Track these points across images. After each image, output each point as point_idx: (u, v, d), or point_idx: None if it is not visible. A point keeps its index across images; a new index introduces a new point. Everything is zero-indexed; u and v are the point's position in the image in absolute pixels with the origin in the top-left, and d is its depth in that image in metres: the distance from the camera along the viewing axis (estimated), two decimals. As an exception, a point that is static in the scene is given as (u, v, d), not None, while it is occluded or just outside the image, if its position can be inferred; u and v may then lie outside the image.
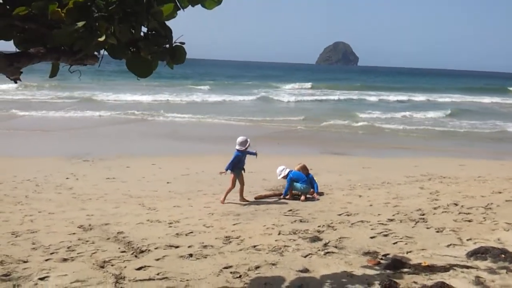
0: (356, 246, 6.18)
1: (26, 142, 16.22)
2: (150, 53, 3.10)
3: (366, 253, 5.92)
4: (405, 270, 5.36)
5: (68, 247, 6.06)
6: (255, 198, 8.99)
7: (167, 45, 3.20)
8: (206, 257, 5.76)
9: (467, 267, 5.40)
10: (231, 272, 5.28)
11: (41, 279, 5.04)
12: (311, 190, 9.14)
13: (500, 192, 9.19)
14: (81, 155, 13.79)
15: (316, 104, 36.34)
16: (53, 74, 3.23)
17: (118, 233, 6.73)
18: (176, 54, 3.24)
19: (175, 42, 3.21)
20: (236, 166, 8.68)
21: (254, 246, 6.17)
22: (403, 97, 43.12)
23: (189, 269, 5.37)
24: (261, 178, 11.05)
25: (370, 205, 8.43)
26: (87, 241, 6.35)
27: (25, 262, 5.53)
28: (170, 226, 7.13)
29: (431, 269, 5.35)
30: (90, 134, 18.46)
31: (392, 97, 42.45)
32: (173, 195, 9.34)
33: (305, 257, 5.80)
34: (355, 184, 10.41)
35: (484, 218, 7.37)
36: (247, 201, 8.77)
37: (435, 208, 8.08)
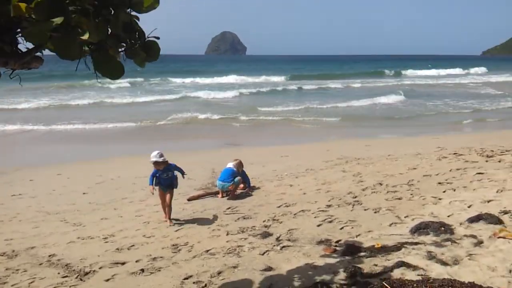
0: (307, 237, 6.23)
1: None
2: (125, 51, 2.73)
3: (320, 242, 6.00)
4: (362, 254, 5.51)
5: (-5, 281, 5.28)
6: (188, 200, 8.66)
7: (139, 41, 2.84)
8: (160, 270, 5.40)
9: (416, 243, 5.70)
10: (194, 282, 5.00)
11: (-25, 324, 4.32)
12: (230, 186, 8.82)
13: (414, 168, 9.92)
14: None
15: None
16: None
17: (49, 256, 6.03)
18: (151, 51, 2.89)
19: (148, 37, 2.86)
20: (158, 182, 7.40)
21: (207, 251, 5.92)
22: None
23: (147, 285, 4.98)
24: (186, 178, 10.67)
25: (303, 193, 8.57)
26: (17, 269, 5.60)
27: None
28: (106, 242, 6.56)
29: (385, 249, 5.56)
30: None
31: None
32: (96, 207, 8.63)
33: (262, 254, 5.70)
34: (281, 174, 10.53)
35: (411, 194, 7.87)
36: (171, 222, 7.32)
37: (363, 190, 8.46)
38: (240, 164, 9.12)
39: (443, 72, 60.34)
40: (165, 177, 7.35)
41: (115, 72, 2.77)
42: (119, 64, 2.77)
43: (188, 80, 47.16)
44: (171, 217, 7.44)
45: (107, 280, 5.15)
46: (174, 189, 7.53)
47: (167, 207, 7.41)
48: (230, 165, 9.04)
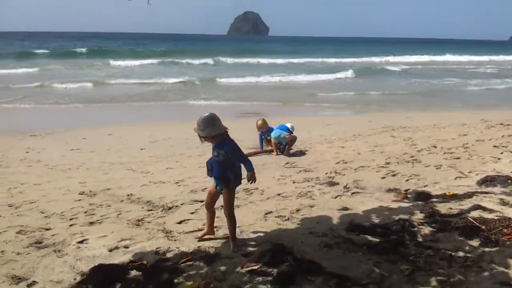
0: (374, 186, 6.42)
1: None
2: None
3: (389, 190, 6.18)
4: (434, 200, 5.68)
5: (85, 212, 5.61)
6: (245, 155, 8.88)
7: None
8: (238, 207, 5.64)
9: (485, 192, 5.85)
10: (276, 217, 5.25)
11: (80, 242, 4.64)
12: (287, 135, 8.97)
13: (465, 135, 9.98)
14: (24, 131, 12.62)
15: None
16: None
17: (128, 195, 6.34)
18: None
19: None
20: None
21: (279, 194, 6.16)
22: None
23: (232, 217, 5.24)
24: (235, 139, 10.88)
25: (358, 153, 8.73)
26: (100, 205, 5.92)
27: (47, 230, 5.04)
28: (178, 185, 6.86)
29: (457, 197, 5.72)
30: (16, 110, 16.91)
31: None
32: (157, 159, 8.94)
33: (335, 198, 5.92)
34: (329, 138, 10.68)
35: (469, 155, 7.98)
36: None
37: (418, 151, 8.58)
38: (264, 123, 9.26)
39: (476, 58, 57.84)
40: (214, 158, 4.45)
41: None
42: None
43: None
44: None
45: (192, 213, 5.43)
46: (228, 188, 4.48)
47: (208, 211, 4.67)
48: (288, 124, 9.24)
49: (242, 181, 4.65)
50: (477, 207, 5.20)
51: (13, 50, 48.75)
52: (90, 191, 6.64)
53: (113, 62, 36.62)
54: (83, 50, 49.78)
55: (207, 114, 4.32)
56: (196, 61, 40.19)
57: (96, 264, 3.99)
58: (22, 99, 18.76)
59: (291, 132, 9.06)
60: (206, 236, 4.64)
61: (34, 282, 3.79)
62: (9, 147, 10.44)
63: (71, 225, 5.16)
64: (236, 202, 5.75)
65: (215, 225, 4.85)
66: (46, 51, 47.34)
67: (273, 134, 9.02)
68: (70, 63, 34.92)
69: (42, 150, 10.11)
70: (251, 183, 4.50)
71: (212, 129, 4.22)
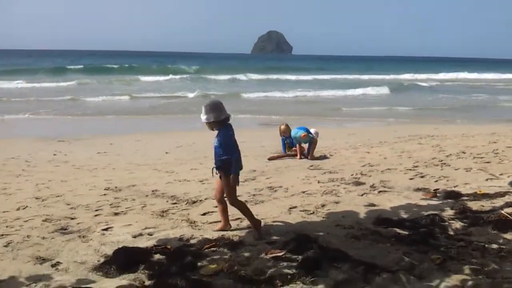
0: (402, 185, 6.27)
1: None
2: None
3: (418, 189, 6.02)
4: (465, 198, 5.50)
5: (110, 204, 5.65)
6: (268, 159, 8.85)
7: None
8: (263, 202, 5.60)
9: (519, 192, 5.64)
10: (301, 211, 5.17)
11: (105, 229, 4.65)
12: (303, 134, 8.87)
13: (495, 142, 9.71)
14: (53, 137, 12.87)
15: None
16: None
17: (153, 191, 6.36)
18: None
19: None
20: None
21: (304, 192, 6.07)
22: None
23: (257, 210, 5.18)
24: (258, 146, 10.88)
25: (384, 158, 8.58)
26: (125, 199, 5.95)
27: (73, 219, 5.08)
28: (203, 183, 6.85)
29: (489, 196, 5.53)
30: (46, 120, 17.30)
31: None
32: (182, 161, 8.97)
33: (361, 195, 5.79)
34: (354, 144, 10.54)
35: (500, 159, 7.75)
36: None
37: (447, 156, 8.37)
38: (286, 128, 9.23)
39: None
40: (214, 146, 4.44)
41: None
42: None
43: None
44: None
45: (216, 206, 5.34)
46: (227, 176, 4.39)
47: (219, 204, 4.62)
48: (312, 130, 9.17)
49: (267, 180, 4.62)
50: (510, 204, 5.01)
51: (47, 66, 50.19)
52: (116, 187, 6.69)
53: (142, 78, 37.23)
54: (115, 66, 50.72)
55: (211, 100, 4.47)
56: (221, 77, 40.58)
57: (120, 247, 3.98)
58: (53, 111, 19.22)
59: (312, 136, 8.99)
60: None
61: (58, 263, 3.80)
62: (38, 150, 10.65)
63: (96, 215, 5.19)
64: (260, 198, 5.78)
65: (238, 216, 4.81)
66: (79, 66, 48.55)
67: (292, 133, 9.00)
68: (100, 78, 35.65)
69: (69, 153, 10.27)
70: (214, 174, 4.52)
71: (211, 116, 4.25)
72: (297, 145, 8.97)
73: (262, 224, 4.58)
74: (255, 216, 4.50)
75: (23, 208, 5.56)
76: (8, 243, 4.24)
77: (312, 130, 9.18)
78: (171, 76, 39.37)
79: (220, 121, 4.30)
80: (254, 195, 5.95)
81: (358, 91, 29.75)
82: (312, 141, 8.89)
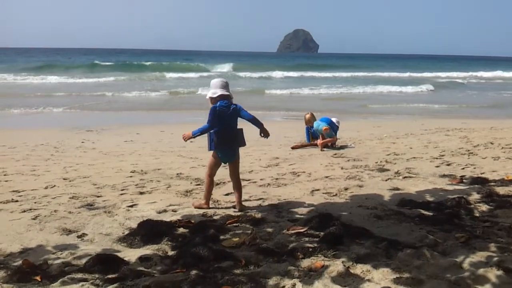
0: (428, 172, 6.18)
1: (20, 119, 15.41)
2: None
3: (444, 176, 5.93)
4: (492, 184, 5.39)
5: (136, 185, 5.76)
6: (292, 148, 8.84)
7: None
8: (285, 185, 5.61)
9: (549, 179, 5.49)
10: (323, 193, 5.16)
11: (130, 206, 4.75)
12: (324, 127, 8.84)
13: (526, 134, 9.46)
14: (81, 127, 13.15)
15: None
16: None
17: (177, 174, 6.45)
18: None
19: None
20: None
21: (327, 177, 6.05)
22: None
23: (280, 192, 5.21)
24: (282, 137, 10.86)
25: (410, 148, 8.46)
26: (151, 180, 6.05)
27: (99, 197, 5.20)
28: (226, 169, 6.87)
29: (517, 181, 5.41)
30: (75, 113, 17.69)
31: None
32: (206, 149, 9.02)
33: (385, 181, 5.74)
34: (380, 135, 10.42)
35: (530, 149, 7.55)
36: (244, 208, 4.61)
37: (475, 147, 8.21)
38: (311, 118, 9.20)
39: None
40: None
41: None
42: None
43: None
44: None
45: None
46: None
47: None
48: (333, 118, 9.12)
49: (290, 166, 4.85)
50: (540, 189, 4.88)
51: (82, 63, 51.26)
52: (142, 170, 6.80)
53: (169, 75, 37.50)
54: (146, 64, 51.27)
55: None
56: (253, 74, 40.57)
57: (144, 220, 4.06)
58: (83, 105, 19.64)
59: (337, 127, 8.95)
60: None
61: (83, 234, 3.90)
62: (66, 138, 10.91)
63: (122, 194, 5.31)
64: (282, 181, 5.80)
65: (261, 197, 4.85)
66: (110, 63, 49.66)
67: (315, 125, 8.96)
68: (130, 75, 36.15)
69: (97, 141, 10.48)
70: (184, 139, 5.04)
71: (210, 92, 4.63)
72: (320, 137, 8.93)
73: (284, 203, 4.62)
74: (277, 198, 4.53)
75: (51, 187, 5.72)
76: (36, 216, 4.38)
77: (334, 119, 9.14)
78: (199, 73, 39.70)
79: (213, 98, 4.58)
80: (276, 179, 5.97)
81: (394, 89, 29.01)
82: (332, 136, 8.86)
